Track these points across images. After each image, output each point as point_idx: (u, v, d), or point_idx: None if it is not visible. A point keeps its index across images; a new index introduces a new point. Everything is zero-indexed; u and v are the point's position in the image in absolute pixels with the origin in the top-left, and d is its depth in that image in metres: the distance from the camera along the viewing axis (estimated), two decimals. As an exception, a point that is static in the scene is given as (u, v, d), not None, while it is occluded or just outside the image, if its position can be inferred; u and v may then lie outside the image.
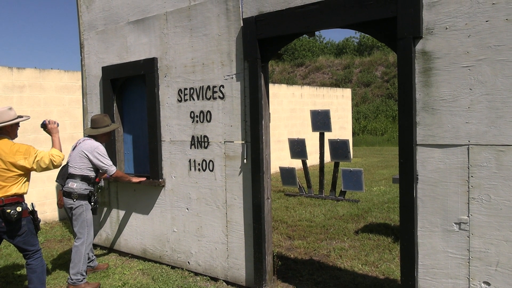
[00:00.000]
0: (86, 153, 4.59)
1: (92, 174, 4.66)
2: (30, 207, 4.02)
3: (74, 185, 4.57)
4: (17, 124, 4.00)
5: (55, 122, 4.21)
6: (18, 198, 3.85)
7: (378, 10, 3.31)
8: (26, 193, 3.94)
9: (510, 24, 2.81)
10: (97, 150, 4.62)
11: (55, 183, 7.62)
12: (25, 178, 3.93)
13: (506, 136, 2.87)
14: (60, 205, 4.76)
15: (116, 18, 5.51)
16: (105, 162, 4.65)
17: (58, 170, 4.79)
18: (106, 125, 4.81)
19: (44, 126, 4.21)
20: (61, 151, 4.09)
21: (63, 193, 4.65)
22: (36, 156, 3.88)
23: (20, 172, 3.84)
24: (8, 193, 3.79)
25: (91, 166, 4.64)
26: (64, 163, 4.80)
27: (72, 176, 4.61)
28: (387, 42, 3.43)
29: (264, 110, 4.19)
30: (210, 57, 4.53)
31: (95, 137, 4.73)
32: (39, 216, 7.40)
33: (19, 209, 3.79)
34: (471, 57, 2.97)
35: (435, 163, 3.15)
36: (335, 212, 7.65)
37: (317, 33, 34.90)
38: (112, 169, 4.70)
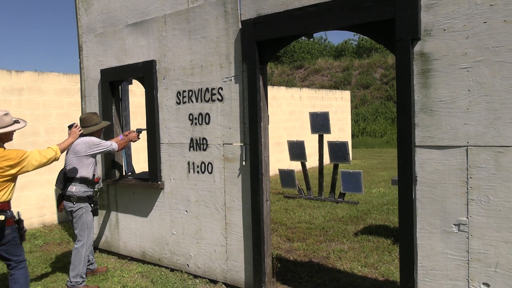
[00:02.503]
0: (84, 153, 4.57)
1: (90, 175, 4.64)
2: (16, 216, 3.86)
3: (73, 188, 4.56)
4: (12, 130, 3.85)
5: (79, 130, 4.39)
6: (2, 206, 3.70)
7: (376, 12, 3.31)
8: (11, 199, 3.80)
9: (508, 26, 2.82)
10: (92, 144, 4.58)
11: (54, 186, 7.61)
12: (12, 184, 3.79)
13: (504, 137, 2.87)
14: (60, 209, 4.73)
15: (114, 21, 5.51)
16: (106, 146, 4.67)
17: (56, 172, 4.79)
18: (95, 123, 4.76)
19: (70, 127, 4.45)
20: (60, 150, 4.01)
21: (63, 197, 4.63)
22: (25, 158, 3.75)
23: (7, 178, 3.71)
24: None
25: (89, 165, 4.61)
26: (61, 165, 4.80)
27: (71, 180, 4.59)
28: (385, 44, 3.43)
29: (262, 112, 4.19)
30: (208, 60, 4.53)
31: (86, 136, 4.70)
32: (38, 219, 7.43)
33: (1, 217, 3.65)
34: (469, 58, 2.97)
35: (434, 164, 3.15)
36: (334, 214, 7.64)
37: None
38: (114, 147, 4.75)
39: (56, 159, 3.99)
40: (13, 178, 3.79)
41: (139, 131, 5.22)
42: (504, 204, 2.89)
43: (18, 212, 3.97)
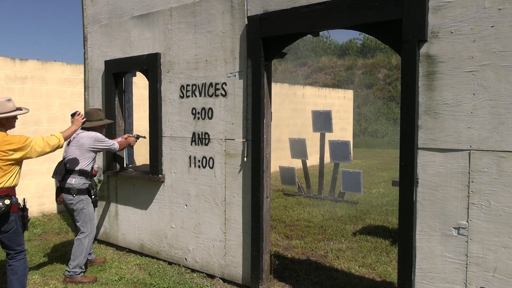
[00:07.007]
0: (88, 147, 4.58)
1: (89, 168, 4.66)
2: (21, 203, 3.81)
3: (73, 181, 4.55)
4: (14, 117, 3.82)
5: (83, 118, 4.38)
6: (8, 191, 3.65)
7: (383, 12, 3.29)
8: (17, 185, 3.75)
9: (515, 30, 2.80)
10: (97, 139, 4.67)
11: (55, 176, 7.62)
12: (17, 169, 3.74)
13: (508, 142, 2.86)
14: (59, 201, 4.72)
15: (120, 12, 5.50)
16: (109, 144, 4.79)
17: (56, 161, 4.79)
18: (99, 119, 4.83)
19: (72, 115, 4.41)
20: (63, 138, 3.98)
21: (62, 189, 4.62)
22: (29, 143, 3.71)
23: (11, 162, 3.66)
24: None
25: (90, 158, 4.63)
26: (62, 154, 4.80)
27: (70, 172, 4.58)
28: (391, 45, 3.42)
29: (266, 109, 4.19)
30: (213, 54, 4.52)
31: (88, 130, 4.72)
32: (37, 208, 7.44)
33: (7, 202, 3.59)
34: (475, 62, 2.96)
35: (436, 167, 3.15)
36: (333, 213, 7.64)
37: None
38: (116, 146, 4.88)
39: (59, 146, 3.95)
40: (18, 163, 3.74)
41: (137, 137, 5.33)
42: (505, 209, 2.89)
43: (24, 199, 3.91)
